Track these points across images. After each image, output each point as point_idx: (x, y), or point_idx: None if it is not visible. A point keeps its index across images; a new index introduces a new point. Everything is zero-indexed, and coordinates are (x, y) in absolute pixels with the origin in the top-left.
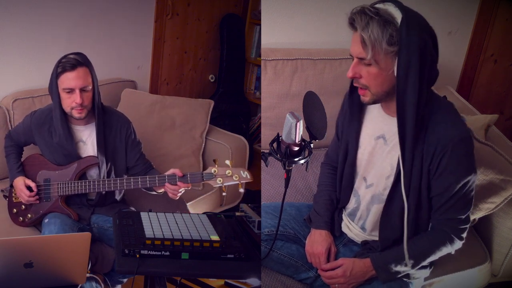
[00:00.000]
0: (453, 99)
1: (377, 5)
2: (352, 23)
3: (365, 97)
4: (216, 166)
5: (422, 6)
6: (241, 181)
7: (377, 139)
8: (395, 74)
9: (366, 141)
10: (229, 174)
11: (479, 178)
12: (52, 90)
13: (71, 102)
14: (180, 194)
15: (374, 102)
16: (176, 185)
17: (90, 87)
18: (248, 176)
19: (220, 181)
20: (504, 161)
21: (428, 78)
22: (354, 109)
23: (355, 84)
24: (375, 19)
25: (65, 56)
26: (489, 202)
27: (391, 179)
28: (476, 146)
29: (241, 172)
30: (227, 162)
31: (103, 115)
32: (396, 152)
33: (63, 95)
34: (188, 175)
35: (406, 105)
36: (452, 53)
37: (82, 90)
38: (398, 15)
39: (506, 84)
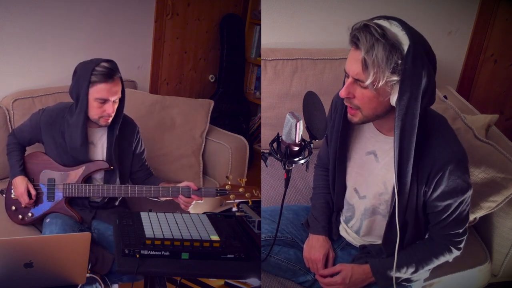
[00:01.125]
0: (453, 99)
1: (382, 23)
2: (355, 42)
3: (355, 117)
4: (229, 183)
5: (422, 6)
6: (252, 199)
7: (367, 154)
8: (392, 101)
9: (356, 154)
10: (242, 192)
11: (480, 176)
12: (78, 95)
13: (101, 112)
14: (191, 206)
15: (362, 122)
16: (190, 197)
17: (120, 97)
18: (259, 195)
19: (233, 197)
20: (505, 159)
21: (427, 104)
22: (343, 123)
23: (345, 103)
24: (381, 42)
25: (97, 63)
26: (490, 200)
27: (385, 196)
28: (477, 144)
29: (253, 191)
30: (239, 180)
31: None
32: (388, 171)
33: (94, 104)
34: (203, 190)
35: (405, 136)
36: (452, 53)
37: (114, 101)
38: (405, 41)
39: (506, 84)
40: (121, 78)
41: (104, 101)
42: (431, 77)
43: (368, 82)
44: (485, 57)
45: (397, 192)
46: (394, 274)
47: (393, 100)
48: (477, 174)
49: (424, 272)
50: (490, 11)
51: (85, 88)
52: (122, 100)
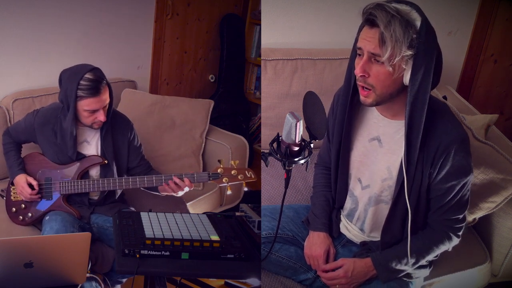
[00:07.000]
0: (453, 99)
1: (393, 4)
2: (371, 19)
3: (368, 98)
4: (222, 166)
5: (422, 6)
6: (246, 181)
7: (371, 141)
8: (405, 79)
9: (359, 142)
10: (234, 174)
11: (480, 177)
12: (68, 106)
13: (93, 119)
14: (181, 193)
15: (376, 104)
16: (183, 180)
17: (109, 101)
18: (253, 176)
19: (226, 180)
20: (505, 160)
21: (434, 83)
22: (348, 111)
23: (359, 83)
24: (397, 18)
25: (81, 76)
26: (489, 201)
27: (388, 182)
28: (476, 145)
29: (246, 172)
30: (232, 162)
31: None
32: (393, 155)
33: (84, 113)
34: (195, 175)
35: (416, 111)
36: (452, 53)
37: (104, 107)
38: (417, 17)
39: (506, 84)
40: (107, 83)
41: (94, 111)
42: (440, 54)
43: (385, 57)
44: (485, 57)
45: (405, 171)
46: (410, 258)
47: (407, 77)
48: (477, 175)
49: (424, 270)
50: (490, 11)
51: (72, 102)
52: (110, 100)
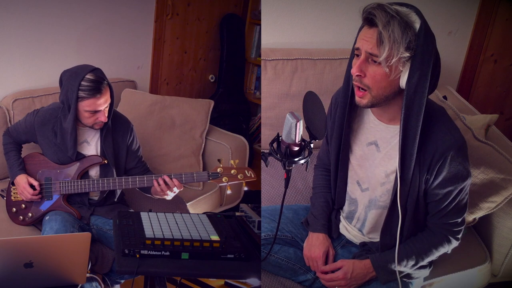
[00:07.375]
0: (453, 99)
1: (394, 6)
2: (370, 19)
3: (363, 99)
4: (221, 165)
5: (422, 6)
6: (246, 180)
7: (368, 145)
8: (402, 82)
9: (357, 146)
10: (234, 174)
11: (480, 177)
12: (69, 106)
13: (94, 120)
14: (169, 195)
15: (371, 105)
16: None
17: (110, 102)
18: (252, 175)
19: (225, 180)
20: (505, 160)
21: (432, 88)
22: (348, 112)
23: (354, 83)
24: (396, 19)
25: (82, 77)
26: (489, 201)
27: (387, 186)
28: (476, 145)
29: (246, 171)
30: (231, 162)
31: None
32: (390, 160)
33: (85, 114)
34: (195, 174)
35: (412, 115)
36: (452, 53)
37: (105, 107)
38: (416, 20)
39: (506, 84)
40: (108, 84)
41: (95, 111)
42: (438, 57)
43: (382, 57)
44: (485, 57)
45: (399, 176)
46: (397, 256)
47: (403, 80)
48: (476, 175)
49: (424, 270)
50: (490, 11)
51: (74, 103)
52: (111, 101)
